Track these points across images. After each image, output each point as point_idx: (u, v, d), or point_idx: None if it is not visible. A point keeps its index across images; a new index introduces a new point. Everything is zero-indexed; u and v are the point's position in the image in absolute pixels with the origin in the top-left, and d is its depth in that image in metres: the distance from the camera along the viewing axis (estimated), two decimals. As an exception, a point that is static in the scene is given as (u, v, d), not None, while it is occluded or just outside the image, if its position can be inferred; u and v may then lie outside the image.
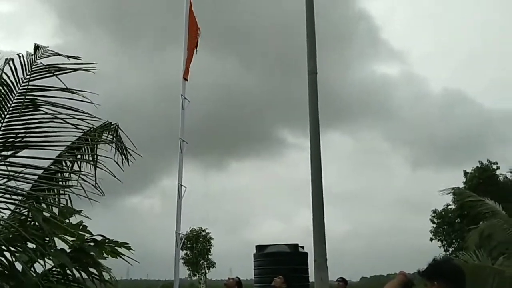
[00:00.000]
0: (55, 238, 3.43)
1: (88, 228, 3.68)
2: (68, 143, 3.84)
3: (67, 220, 3.66)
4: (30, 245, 3.19)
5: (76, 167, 3.90)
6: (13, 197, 3.23)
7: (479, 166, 29.68)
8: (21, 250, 3.18)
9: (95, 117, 3.82)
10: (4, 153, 3.48)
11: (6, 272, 3.16)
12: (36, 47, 3.80)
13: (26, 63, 3.71)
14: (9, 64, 3.60)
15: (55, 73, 3.62)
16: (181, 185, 7.21)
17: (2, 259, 3.13)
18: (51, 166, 3.74)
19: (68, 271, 3.46)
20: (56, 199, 3.82)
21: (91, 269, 3.50)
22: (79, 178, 3.58)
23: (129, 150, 4.15)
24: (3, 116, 3.64)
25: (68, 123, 3.59)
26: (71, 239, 3.53)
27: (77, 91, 3.58)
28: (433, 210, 31.07)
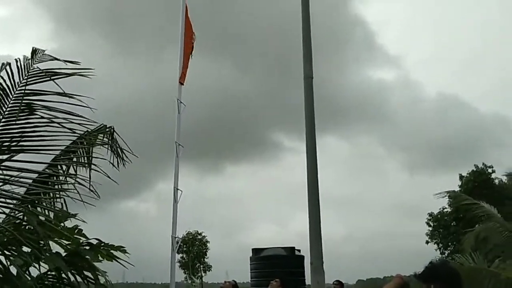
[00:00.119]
0: (51, 242, 3.42)
1: (83, 232, 3.67)
2: (64, 147, 3.83)
3: (62, 224, 3.66)
4: (25, 249, 3.18)
5: (72, 171, 3.89)
6: (8, 201, 3.22)
7: (475, 170, 29.84)
8: (16, 254, 3.17)
9: (91, 121, 3.82)
10: (-1, 157, 3.48)
11: (1, 276, 3.15)
12: (34, 51, 3.80)
13: (22, 67, 3.71)
14: (5, 69, 3.61)
15: (52, 77, 3.63)
16: (177, 189, 7.20)
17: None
18: (46, 170, 3.73)
19: (63, 275, 3.45)
20: (51, 203, 3.81)
21: (86, 273, 3.49)
22: (75, 182, 3.58)
23: (124, 152, 4.15)
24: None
25: (64, 127, 3.59)
26: (66, 242, 3.52)
27: (73, 96, 3.58)
28: (429, 213, 31.20)
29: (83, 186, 3.58)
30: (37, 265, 3.27)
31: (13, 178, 3.26)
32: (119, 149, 4.14)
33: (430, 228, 31.25)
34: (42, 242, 3.26)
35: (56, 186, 3.90)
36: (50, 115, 3.60)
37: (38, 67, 3.72)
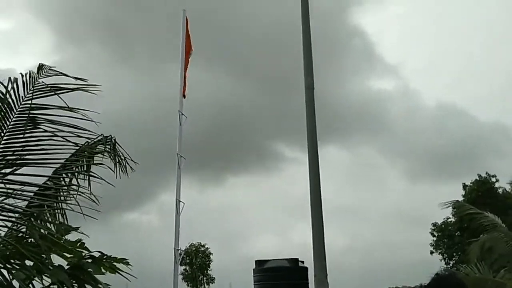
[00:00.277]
0: (53, 255, 3.41)
1: (85, 245, 3.67)
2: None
3: (65, 237, 3.65)
4: (27, 262, 3.17)
5: (73, 183, 3.90)
6: (10, 214, 3.22)
7: (478, 179, 29.72)
8: (18, 267, 3.16)
9: (94, 134, 3.85)
10: (2, 170, 3.49)
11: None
12: (40, 67, 3.86)
13: (27, 82, 3.76)
14: (11, 83, 3.65)
15: (57, 92, 3.67)
16: (179, 201, 7.20)
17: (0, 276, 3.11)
18: (47, 182, 3.74)
19: (65, 288, 3.43)
20: (53, 216, 3.81)
21: (89, 286, 3.47)
22: (76, 193, 3.59)
23: (127, 160, 4.16)
24: (2, 134, 3.67)
25: (68, 141, 3.62)
26: (68, 256, 3.51)
27: (78, 110, 3.62)
28: (433, 223, 31.01)
29: (85, 199, 3.58)
30: (39, 279, 3.26)
31: (16, 191, 3.27)
32: (120, 159, 4.15)
33: (434, 238, 31.06)
34: (44, 255, 3.25)
35: (58, 199, 3.91)
36: (54, 128, 3.63)
37: (43, 82, 3.77)
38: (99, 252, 3.65)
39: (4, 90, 3.68)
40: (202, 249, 38.76)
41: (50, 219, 3.74)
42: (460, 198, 26.80)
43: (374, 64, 55.22)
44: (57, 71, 3.83)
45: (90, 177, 3.79)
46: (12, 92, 3.70)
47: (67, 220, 3.81)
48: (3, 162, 3.57)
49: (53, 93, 3.67)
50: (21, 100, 3.74)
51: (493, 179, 29.62)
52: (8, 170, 3.51)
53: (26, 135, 3.65)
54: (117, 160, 4.11)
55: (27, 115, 3.68)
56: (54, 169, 3.77)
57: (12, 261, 3.19)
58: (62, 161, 3.82)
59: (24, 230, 3.35)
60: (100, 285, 3.47)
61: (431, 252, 30.95)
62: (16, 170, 3.53)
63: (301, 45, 7.89)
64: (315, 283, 6.91)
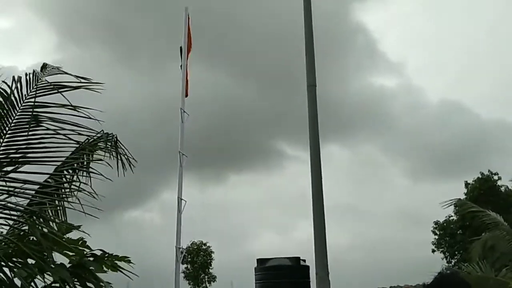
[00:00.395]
0: (55, 253, 3.41)
1: (87, 243, 3.67)
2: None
3: (66, 236, 3.66)
4: (29, 260, 3.18)
5: (74, 180, 3.90)
6: (12, 212, 3.22)
7: (480, 177, 29.66)
8: (19, 266, 3.17)
9: (96, 132, 3.86)
10: (5, 168, 3.50)
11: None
12: (44, 66, 3.86)
13: (31, 80, 3.77)
14: (14, 82, 3.66)
15: (60, 90, 3.68)
16: (181, 199, 7.20)
17: (1, 274, 3.12)
18: (48, 180, 3.75)
19: (67, 286, 3.43)
20: (55, 214, 3.82)
21: (90, 284, 3.47)
22: (77, 189, 3.60)
23: (128, 158, 4.16)
24: (4, 132, 3.67)
25: (70, 139, 3.63)
26: (70, 254, 3.52)
27: (81, 108, 3.63)
28: (435, 221, 30.98)
29: (87, 198, 3.58)
30: (41, 277, 3.26)
31: (18, 189, 3.27)
32: (122, 156, 4.15)
33: (436, 237, 31.03)
34: (45, 254, 3.26)
35: (59, 197, 3.91)
36: (56, 126, 3.64)
37: (46, 80, 3.78)
38: (101, 250, 3.65)
39: (5, 88, 3.69)
40: (204, 247, 38.78)
41: (51, 217, 3.74)
42: (462, 196, 26.81)
43: (376, 61, 55.11)
44: (62, 70, 3.84)
45: (92, 175, 3.80)
46: (15, 90, 3.71)
47: (66, 218, 3.81)
48: (7, 160, 3.57)
49: (56, 91, 3.68)
50: (24, 98, 3.74)
51: (496, 177, 29.57)
52: (10, 168, 3.51)
53: (28, 133, 3.66)
54: (119, 158, 4.11)
55: (29, 113, 3.68)
56: (55, 167, 3.78)
57: (14, 259, 3.19)
58: (64, 159, 3.82)
59: (25, 228, 3.35)
60: (102, 284, 3.47)
61: (433, 251, 30.95)
62: (18, 168, 3.53)
63: (303, 42, 7.88)
64: (317, 281, 6.91)
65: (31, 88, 3.76)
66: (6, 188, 3.27)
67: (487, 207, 10.89)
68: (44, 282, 3.33)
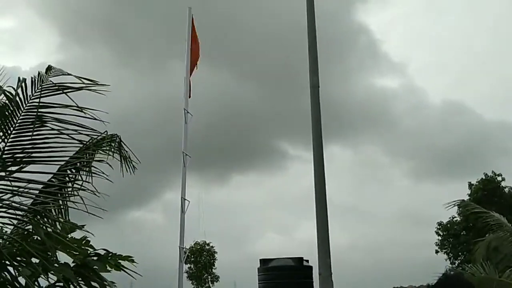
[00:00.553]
0: (59, 253, 3.43)
1: (91, 243, 3.69)
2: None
3: (70, 235, 3.68)
4: (33, 260, 3.19)
5: (77, 179, 3.93)
6: (16, 212, 3.25)
7: (484, 178, 29.56)
8: (24, 265, 3.19)
9: (100, 133, 3.88)
10: (10, 168, 3.52)
11: (10, 287, 3.16)
12: (49, 68, 3.89)
13: (35, 81, 3.79)
14: (19, 82, 3.69)
15: (64, 90, 3.70)
16: (185, 199, 7.22)
17: (6, 273, 3.14)
18: (52, 180, 3.77)
19: (71, 286, 3.45)
20: (59, 214, 3.84)
21: (94, 284, 3.49)
22: (80, 188, 3.62)
23: (131, 160, 4.18)
24: (9, 132, 3.70)
25: (74, 139, 3.65)
26: (74, 253, 3.53)
27: (85, 109, 3.65)
28: (438, 222, 30.88)
29: (90, 196, 3.60)
30: (45, 276, 3.28)
31: (22, 189, 3.30)
32: (125, 157, 4.17)
33: (440, 238, 30.94)
34: (49, 253, 3.28)
35: (63, 196, 3.93)
36: (60, 126, 3.66)
37: (51, 81, 3.81)
38: (104, 249, 3.67)
39: (10, 89, 3.72)
40: (207, 247, 38.82)
41: (55, 217, 3.76)
42: (466, 197, 26.68)
43: (379, 62, 54.91)
44: (67, 73, 3.86)
45: (96, 175, 3.82)
46: (19, 91, 3.74)
47: (68, 217, 3.83)
48: (11, 160, 3.60)
49: (61, 91, 3.70)
50: (28, 98, 3.77)
51: (499, 178, 29.44)
52: (14, 168, 3.54)
53: (33, 133, 3.69)
54: (124, 156, 4.14)
55: (34, 114, 3.71)
56: (59, 166, 3.80)
57: (18, 258, 3.21)
58: (68, 158, 3.85)
59: (30, 227, 3.37)
60: (105, 283, 3.49)
61: (437, 252, 30.84)
62: (23, 168, 3.55)
63: (306, 43, 7.89)
64: (320, 281, 6.90)
65: (36, 89, 3.79)
66: (11, 188, 3.29)
67: (491, 208, 10.87)
68: (48, 281, 3.35)
